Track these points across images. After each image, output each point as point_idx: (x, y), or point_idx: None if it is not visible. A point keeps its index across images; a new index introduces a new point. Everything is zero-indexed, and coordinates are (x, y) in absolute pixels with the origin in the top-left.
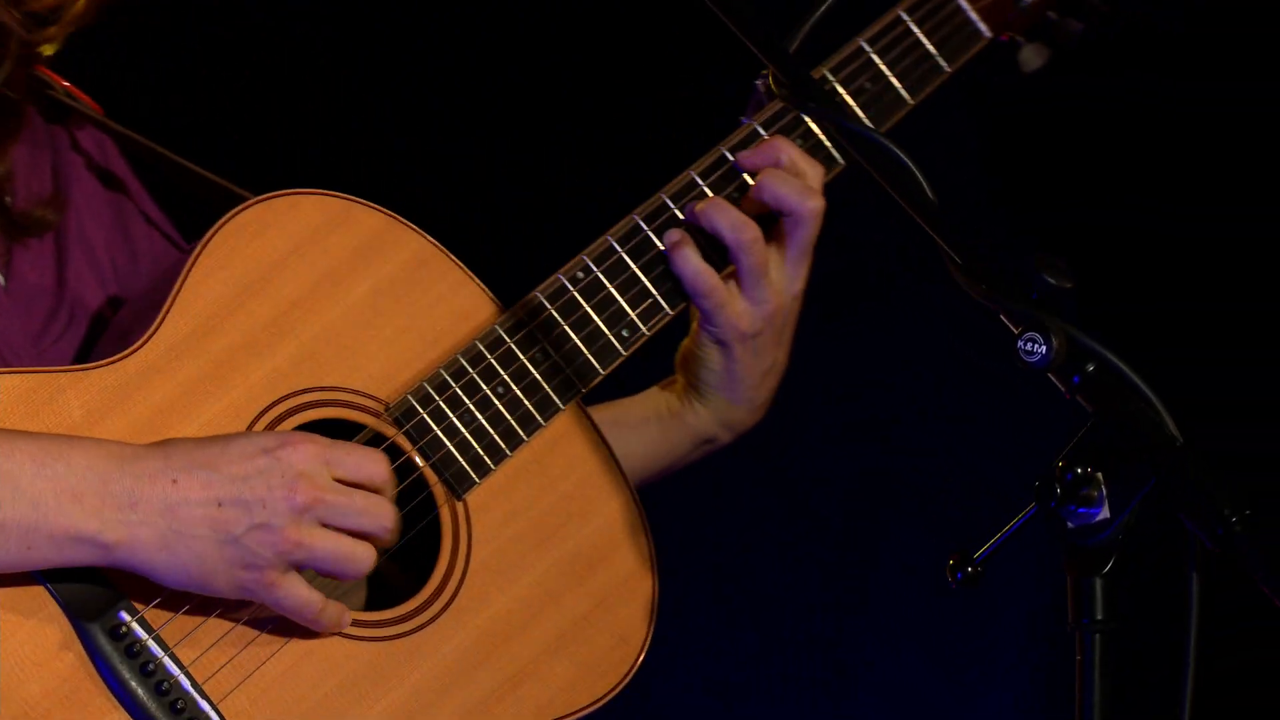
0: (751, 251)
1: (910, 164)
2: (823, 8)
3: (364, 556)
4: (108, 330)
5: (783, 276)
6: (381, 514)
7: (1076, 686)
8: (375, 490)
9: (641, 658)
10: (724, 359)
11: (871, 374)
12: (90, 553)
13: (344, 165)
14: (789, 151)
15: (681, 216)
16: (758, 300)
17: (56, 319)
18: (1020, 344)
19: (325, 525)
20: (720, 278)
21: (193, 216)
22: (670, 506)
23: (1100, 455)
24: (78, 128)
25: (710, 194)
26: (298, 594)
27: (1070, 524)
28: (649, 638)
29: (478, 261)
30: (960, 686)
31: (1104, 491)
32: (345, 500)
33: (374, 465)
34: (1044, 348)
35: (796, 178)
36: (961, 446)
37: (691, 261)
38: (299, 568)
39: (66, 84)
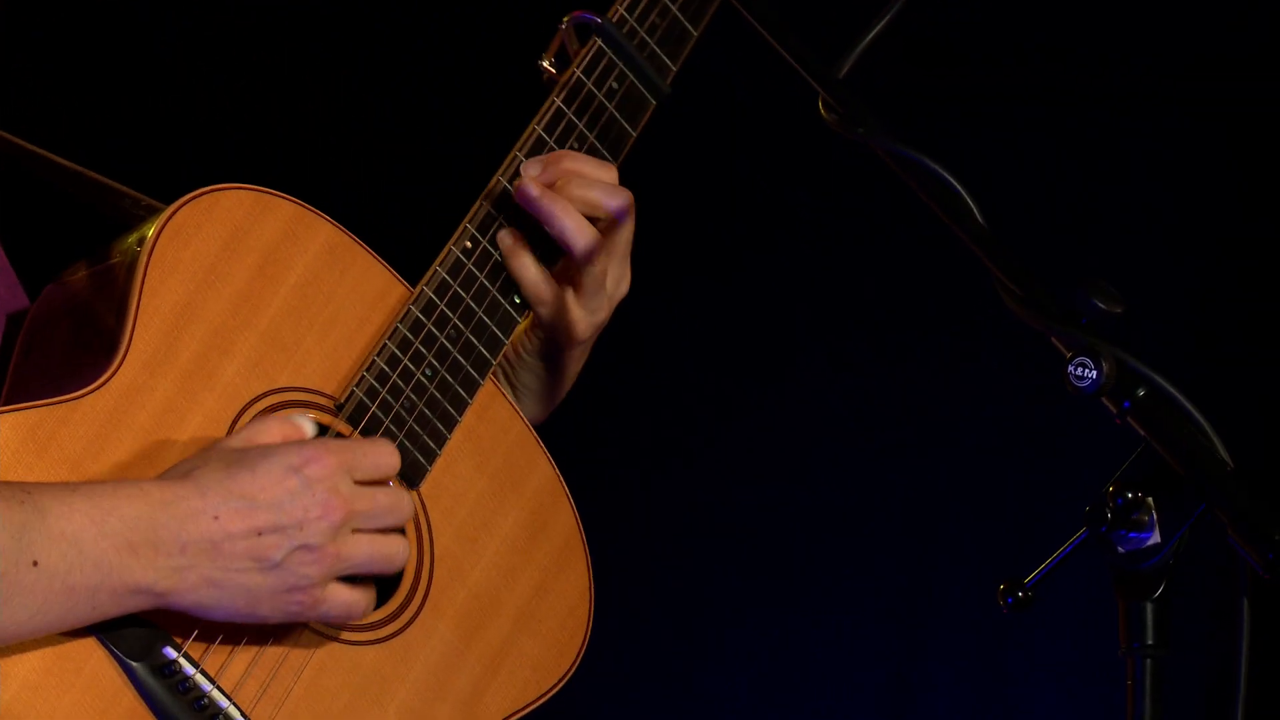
0: (595, 260)
1: (960, 188)
2: (870, 35)
3: (399, 550)
4: (37, 336)
5: (613, 282)
6: (403, 506)
7: (1127, 712)
8: (389, 480)
9: (589, 627)
10: (549, 366)
11: (919, 395)
12: (145, 601)
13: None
14: (579, 163)
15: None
16: (593, 309)
17: None
18: (1071, 368)
19: (358, 531)
20: (555, 282)
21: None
22: (722, 524)
23: (1151, 480)
24: None
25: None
26: (343, 600)
27: (1121, 549)
28: (592, 605)
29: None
30: (1007, 707)
31: (1154, 516)
32: (371, 504)
33: (387, 459)
34: (1095, 372)
35: (597, 181)
36: (1013, 471)
37: (530, 269)
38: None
39: None
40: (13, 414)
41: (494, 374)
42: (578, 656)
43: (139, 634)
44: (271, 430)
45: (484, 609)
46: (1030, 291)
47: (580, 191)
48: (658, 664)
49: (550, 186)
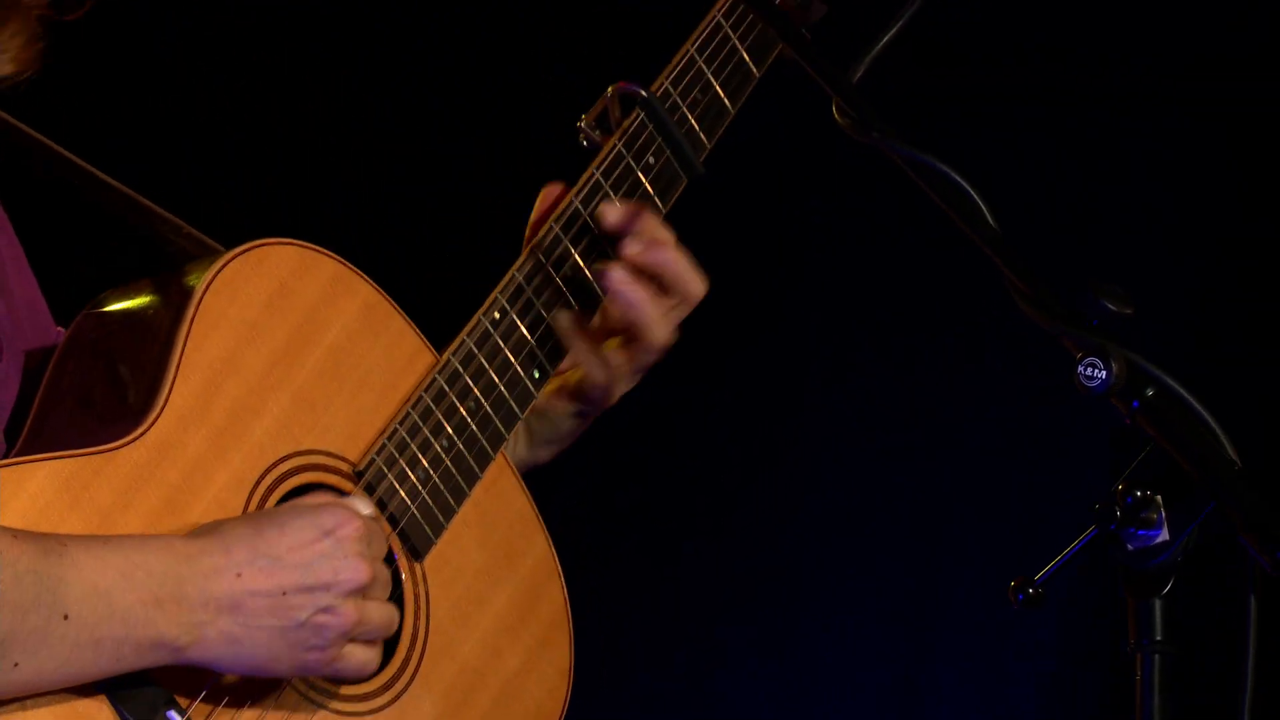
0: (662, 349)
1: (972, 192)
2: (883, 41)
3: (395, 620)
4: (68, 378)
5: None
6: (387, 582)
7: (1136, 708)
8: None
9: (565, 708)
10: (575, 422)
11: (925, 397)
12: (166, 656)
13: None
14: (668, 234)
15: (569, 247)
16: (633, 381)
17: None
18: (1081, 369)
19: (374, 595)
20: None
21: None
22: (728, 526)
23: (1160, 479)
24: None
25: (568, 242)
26: (359, 660)
27: (1130, 546)
28: (570, 685)
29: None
30: (1005, 704)
31: (1163, 514)
32: (384, 573)
33: (380, 541)
34: (1104, 373)
35: (688, 264)
36: (1017, 472)
37: (595, 344)
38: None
39: None
40: (50, 463)
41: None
42: None
43: (146, 695)
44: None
45: (470, 685)
46: (1041, 293)
47: (677, 257)
48: (665, 665)
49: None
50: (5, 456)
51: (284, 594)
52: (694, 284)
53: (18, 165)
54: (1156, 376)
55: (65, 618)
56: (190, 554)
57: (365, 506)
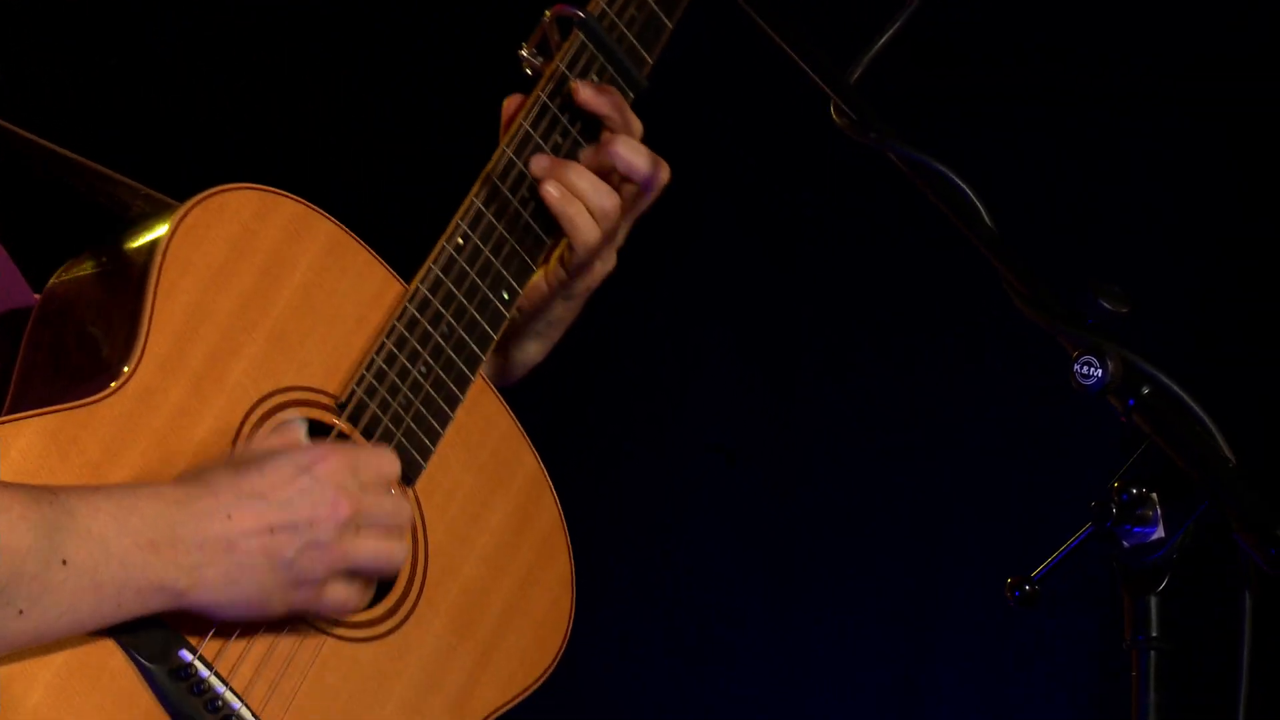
0: (613, 218)
1: (969, 191)
2: (882, 40)
3: (400, 552)
4: (45, 334)
5: (620, 237)
6: (404, 511)
7: (1132, 704)
8: (391, 485)
9: (571, 618)
10: (559, 311)
11: (924, 397)
12: (166, 600)
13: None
14: (634, 119)
15: (523, 170)
16: (605, 259)
17: None
18: (1077, 367)
19: (361, 530)
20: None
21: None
22: (728, 526)
23: (1155, 476)
24: None
25: (551, 157)
26: (340, 598)
27: (1125, 543)
28: (574, 594)
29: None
30: (1005, 704)
31: (1159, 512)
32: (377, 505)
33: (389, 464)
34: (1100, 371)
35: (639, 146)
36: (1017, 472)
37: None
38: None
39: None
40: (35, 419)
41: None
42: (561, 647)
43: (156, 637)
44: (271, 442)
45: (474, 603)
46: (1038, 292)
47: (624, 152)
48: (664, 666)
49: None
50: None
51: (272, 532)
52: (650, 170)
53: None
54: (1152, 375)
55: (64, 563)
56: (179, 499)
57: (302, 431)
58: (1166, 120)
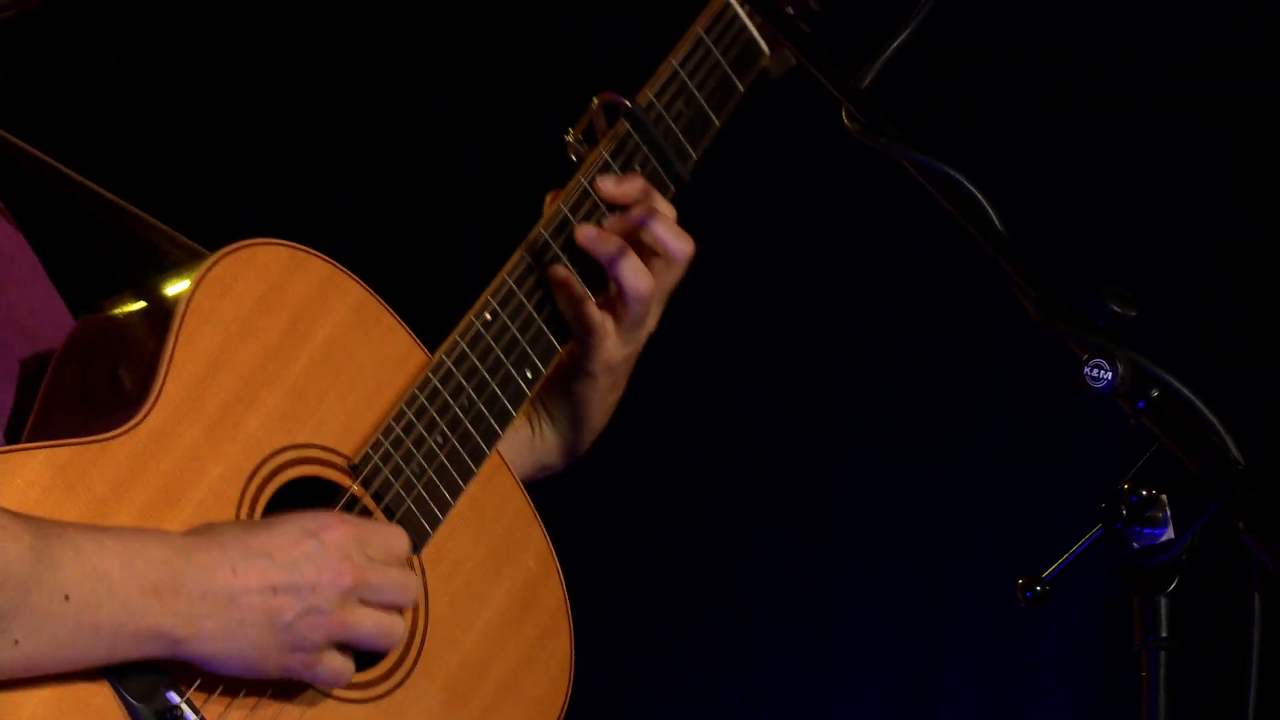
0: (646, 301)
1: (979, 196)
2: (893, 46)
3: (399, 629)
4: (62, 375)
5: (652, 319)
6: (411, 588)
7: (1142, 704)
8: (399, 563)
9: (566, 699)
10: (586, 390)
11: (933, 400)
12: (161, 647)
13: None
14: (659, 199)
15: (559, 251)
16: (630, 340)
17: None
18: (1087, 370)
19: (364, 602)
20: (600, 312)
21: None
22: (735, 530)
23: (1165, 478)
24: None
25: (596, 228)
26: (334, 668)
27: (1135, 545)
28: (571, 677)
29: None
30: (1011, 705)
31: (1168, 513)
32: (382, 579)
33: (399, 542)
34: (1110, 374)
35: (668, 220)
36: (1025, 474)
37: (586, 302)
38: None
39: None
40: (46, 450)
41: (527, 406)
42: None
43: (146, 677)
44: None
45: (472, 676)
46: (1047, 296)
47: (654, 226)
48: (674, 668)
49: (624, 206)
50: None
51: (274, 591)
52: (677, 243)
53: (21, 181)
54: (1161, 378)
55: (66, 599)
56: (187, 548)
57: (400, 537)
58: (1166, 120)
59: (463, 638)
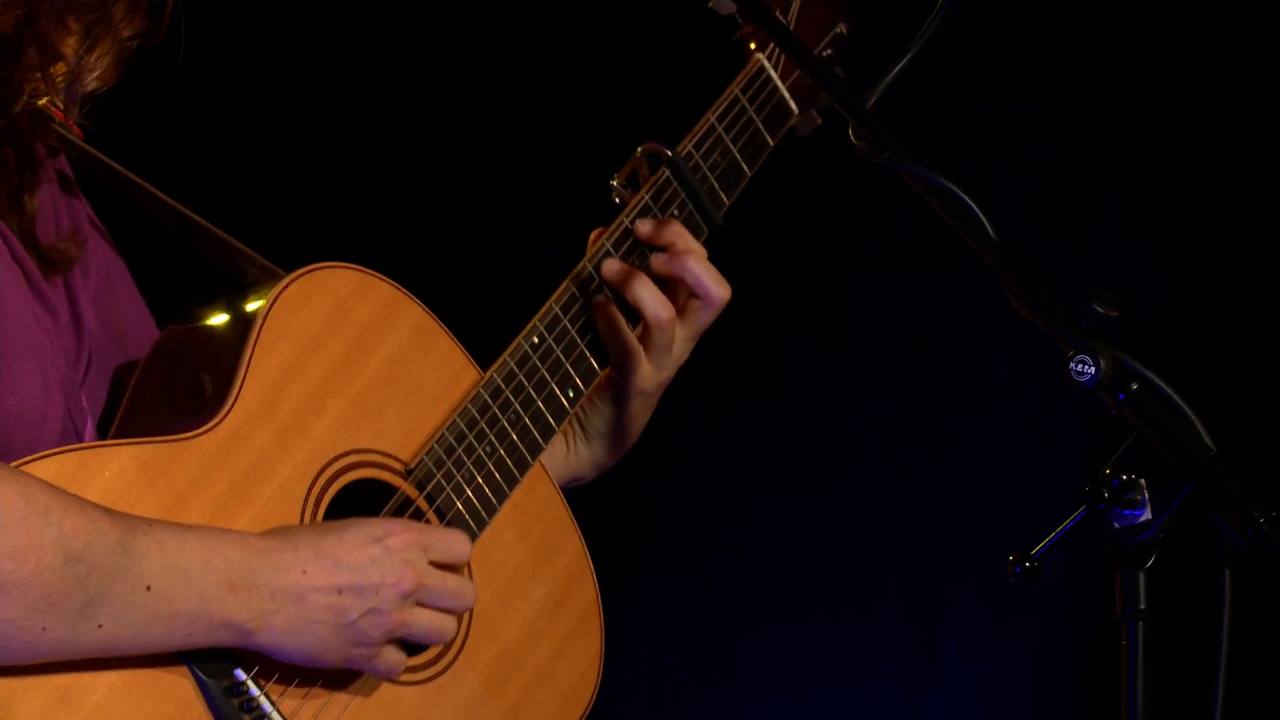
0: (667, 329)
1: (975, 207)
2: (898, 67)
3: (450, 628)
4: (147, 381)
5: (680, 350)
6: (467, 594)
7: (1122, 671)
8: (458, 567)
9: (596, 690)
10: (618, 413)
11: (933, 407)
12: (232, 637)
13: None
14: (695, 244)
15: (601, 283)
16: (661, 367)
17: (81, 354)
18: (1072, 365)
19: (421, 604)
20: (635, 339)
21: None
22: (741, 534)
23: (1143, 463)
24: (55, 159)
25: (622, 262)
26: (391, 662)
27: (1116, 524)
28: (601, 670)
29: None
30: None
31: (1146, 496)
32: (440, 584)
33: (459, 547)
34: (1093, 369)
35: (707, 265)
36: (1021, 478)
37: (623, 329)
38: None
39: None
40: (131, 446)
41: (564, 423)
42: (584, 713)
43: (216, 654)
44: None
45: (509, 666)
46: (1037, 297)
47: (695, 269)
48: (680, 672)
49: (663, 247)
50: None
51: (340, 592)
52: (714, 288)
53: (117, 203)
54: (1140, 372)
55: (148, 589)
56: (261, 548)
57: (461, 542)
58: (1165, 120)
59: (502, 630)
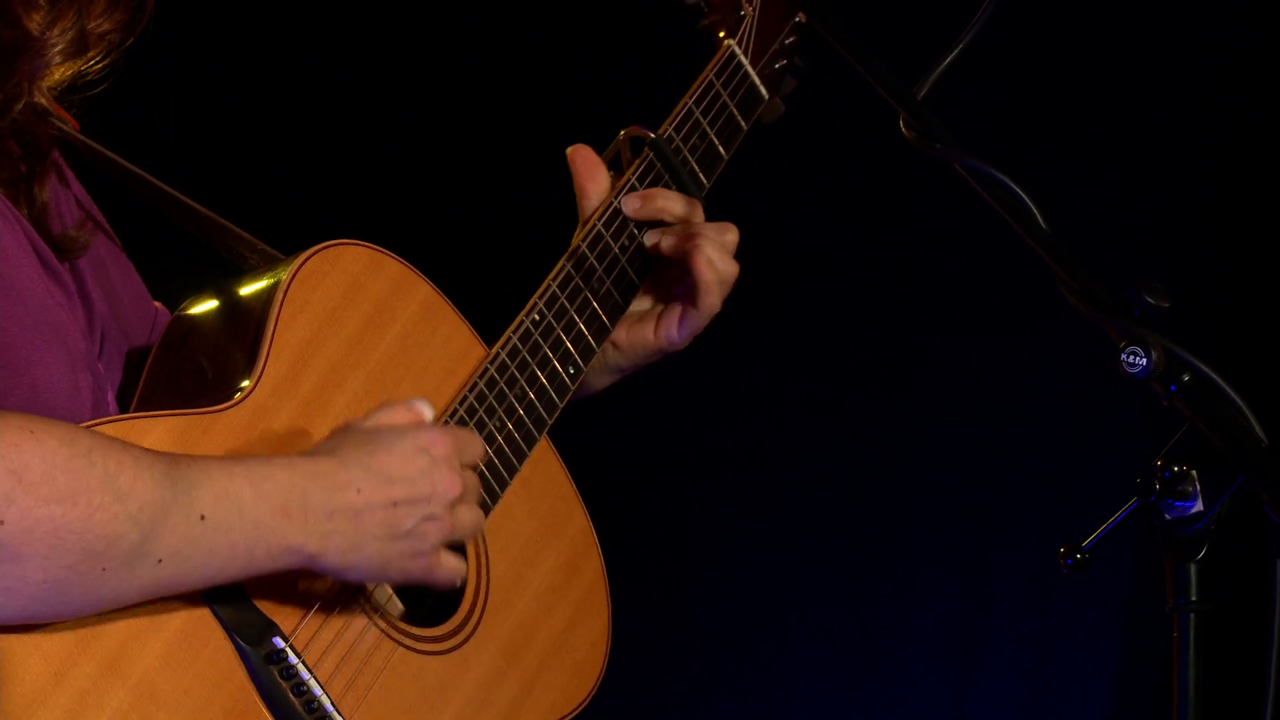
0: (720, 294)
1: (1026, 198)
2: (948, 59)
3: (483, 523)
4: (168, 358)
5: (710, 294)
6: (477, 486)
7: (1174, 663)
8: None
9: (606, 659)
10: (628, 365)
11: (976, 398)
12: (296, 561)
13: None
14: (701, 215)
15: (596, 263)
16: (687, 334)
17: (94, 335)
18: (1124, 356)
19: (462, 503)
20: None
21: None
22: (770, 527)
23: (1195, 455)
24: (55, 150)
25: (613, 243)
26: (451, 565)
27: (1168, 516)
28: (610, 641)
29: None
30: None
31: (1198, 487)
32: (475, 484)
33: (479, 447)
34: (1144, 360)
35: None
36: (1064, 465)
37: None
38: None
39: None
40: (166, 418)
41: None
42: (597, 683)
43: (255, 623)
44: (397, 414)
45: (525, 635)
46: (1088, 288)
47: (715, 247)
48: (705, 665)
49: (654, 222)
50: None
51: (395, 505)
52: (721, 263)
53: (115, 190)
54: (1191, 363)
55: (202, 518)
56: (313, 471)
57: (428, 411)
58: (1165, 120)
59: (517, 601)
